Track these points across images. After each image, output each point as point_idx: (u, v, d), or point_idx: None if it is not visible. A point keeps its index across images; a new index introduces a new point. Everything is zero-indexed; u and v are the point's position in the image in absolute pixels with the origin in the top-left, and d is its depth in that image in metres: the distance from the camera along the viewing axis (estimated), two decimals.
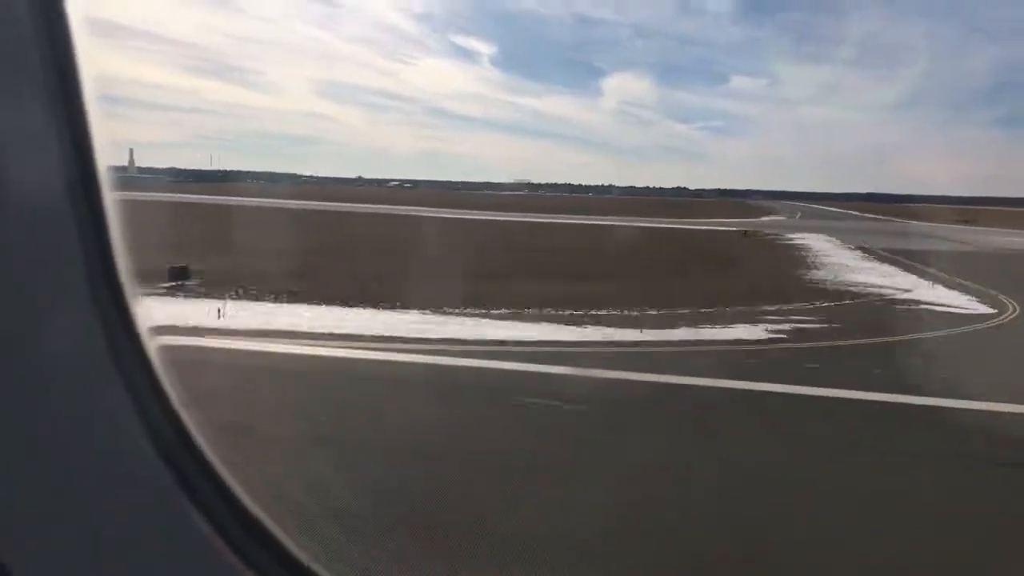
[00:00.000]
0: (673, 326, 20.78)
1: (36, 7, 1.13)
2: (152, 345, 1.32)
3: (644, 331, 19.80)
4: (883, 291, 30.42)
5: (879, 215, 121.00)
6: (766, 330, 20.73)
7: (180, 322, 17.81)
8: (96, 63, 1.21)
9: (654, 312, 22.72)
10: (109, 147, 1.23)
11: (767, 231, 69.66)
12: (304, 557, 1.49)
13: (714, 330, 20.49)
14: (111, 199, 1.24)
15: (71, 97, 1.18)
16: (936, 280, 33.85)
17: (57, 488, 1.19)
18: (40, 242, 1.17)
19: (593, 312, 22.11)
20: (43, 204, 1.17)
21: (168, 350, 1.35)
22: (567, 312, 22.07)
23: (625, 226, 69.96)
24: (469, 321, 20.49)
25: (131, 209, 1.35)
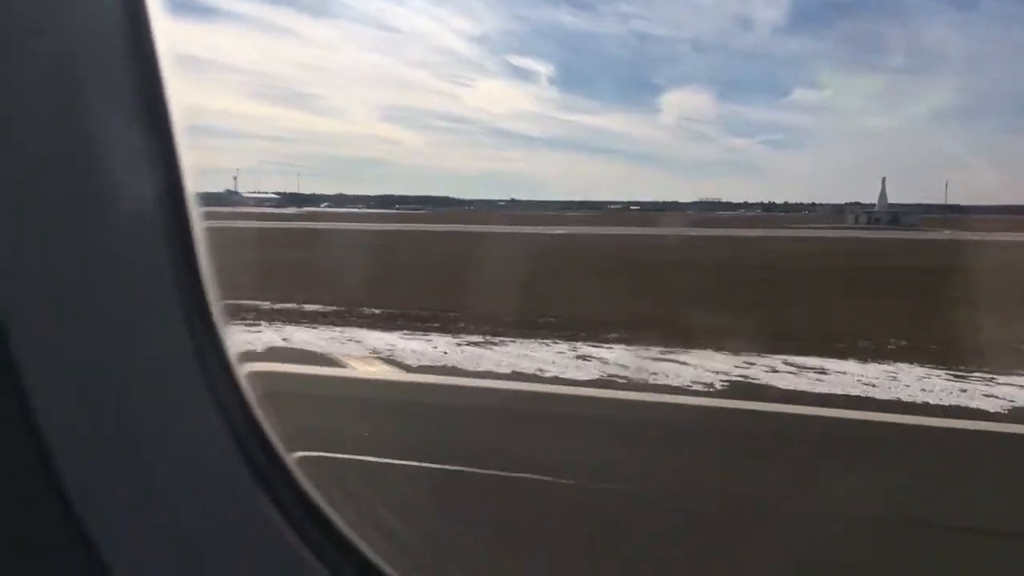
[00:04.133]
0: None
1: (130, 42, 1.25)
2: (235, 355, 1.41)
3: None
4: None
5: None
6: None
7: None
8: (177, 93, 1.31)
9: None
10: (192, 171, 1.33)
11: None
12: (372, 555, 1.56)
13: None
14: (198, 222, 1.34)
15: (160, 121, 1.29)
16: None
17: (147, 483, 1.30)
18: (133, 255, 1.28)
19: None
20: (137, 219, 1.27)
21: None
22: None
23: None
24: None
25: None
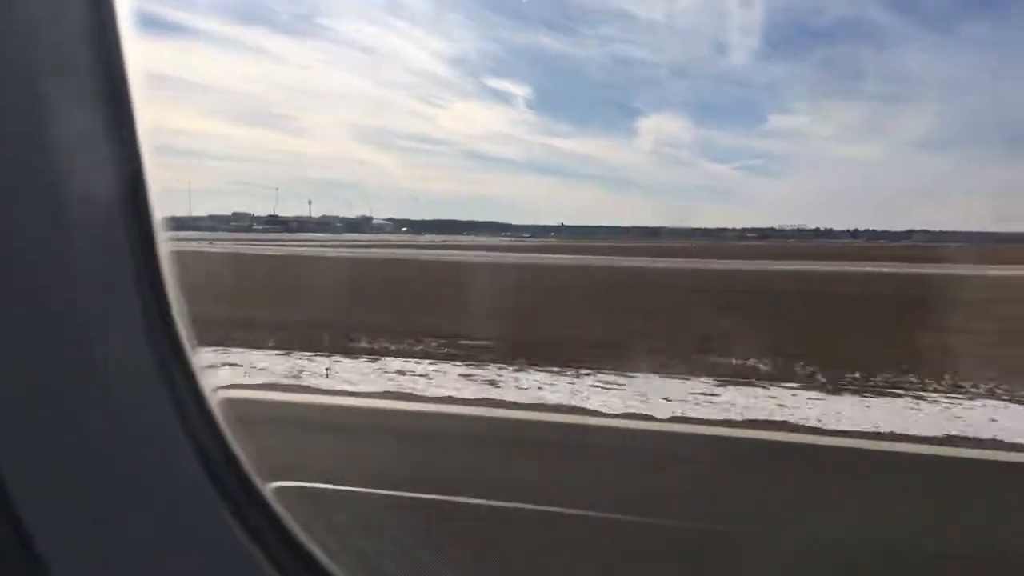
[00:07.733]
0: None
1: (98, 57, 1.26)
2: (198, 362, 1.37)
3: None
4: None
5: None
6: None
7: None
8: (146, 110, 1.32)
9: None
10: (159, 191, 1.31)
11: None
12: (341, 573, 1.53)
13: None
14: (163, 236, 1.32)
15: (127, 134, 1.29)
16: None
17: (103, 493, 1.26)
18: (97, 269, 1.26)
19: None
20: (99, 223, 1.26)
21: None
22: None
23: None
24: None
25: None
